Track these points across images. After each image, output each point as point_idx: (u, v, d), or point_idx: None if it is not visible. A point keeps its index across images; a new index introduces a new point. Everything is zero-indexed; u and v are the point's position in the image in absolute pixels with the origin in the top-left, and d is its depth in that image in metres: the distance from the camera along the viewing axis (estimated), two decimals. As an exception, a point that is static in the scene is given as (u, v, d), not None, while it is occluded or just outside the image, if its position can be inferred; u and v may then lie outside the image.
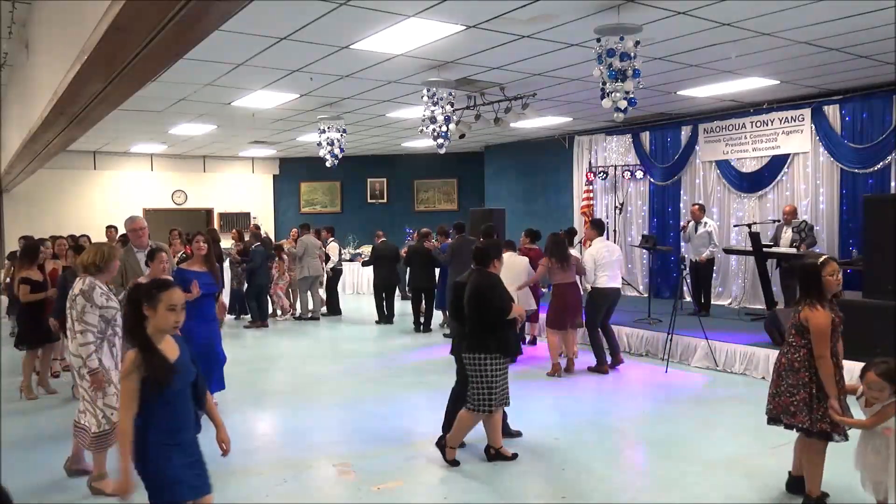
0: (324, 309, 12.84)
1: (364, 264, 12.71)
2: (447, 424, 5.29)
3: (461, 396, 5.22)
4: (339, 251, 13.32)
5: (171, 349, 3.02)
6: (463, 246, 10.27)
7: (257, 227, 13.33)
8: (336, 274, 12.97)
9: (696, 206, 10.46)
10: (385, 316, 11.82)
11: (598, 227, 8.48)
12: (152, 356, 2.90)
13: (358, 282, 15.91)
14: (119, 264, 5.04)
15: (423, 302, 11.09)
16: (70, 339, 4.61)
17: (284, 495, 4.59)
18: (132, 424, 2.86)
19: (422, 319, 11.07)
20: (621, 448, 5.63)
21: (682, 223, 11.26)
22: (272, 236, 17.02)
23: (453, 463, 5.04)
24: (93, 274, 4.61)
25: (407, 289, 12.02)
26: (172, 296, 2.98)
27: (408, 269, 11.47)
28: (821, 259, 4.06)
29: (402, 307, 12.59)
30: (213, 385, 6.43)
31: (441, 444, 5.17)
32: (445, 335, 10.49)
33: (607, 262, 8.01)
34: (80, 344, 4.48)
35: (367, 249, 15.23)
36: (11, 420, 6.37)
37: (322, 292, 12.70)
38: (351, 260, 15.67)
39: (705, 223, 10.28)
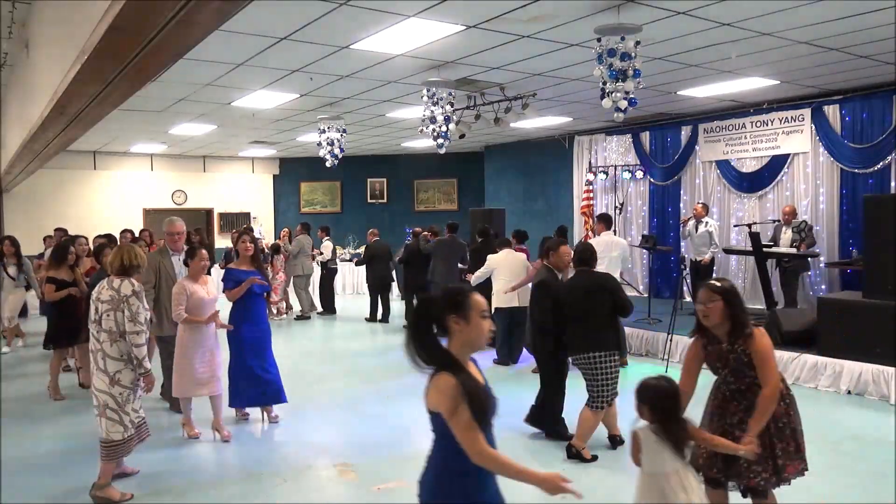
0: (319, 308, 12.86)
1: (358, 263, 12.77)
2: (536, 422, 5.69)
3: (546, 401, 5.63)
4: (333, 250, 13.34)
5: (475, 372, 2.44)
6: (452, 244, 10.22)
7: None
8: (331, 273, 12.96)
9: (700, 205, 10.47)
10: (375, 314, 11.87)
11: (604, 220, 8.70)
12: (469, 382, 2.29)
13: (357, 282, 15.89)
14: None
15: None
16: (111, 342, 4.43)
17: (284, 495, 4.59)
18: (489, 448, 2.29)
19: None
20: (621, 448, 5.62)
21: (682, 218, 11.26)
22: (272, 236, 17.04)
23: (594, 458, 5.18)
24: (130, 276, 4.59)
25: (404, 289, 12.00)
26: (481, 299, 2.42)
27: (403, 269, 11.47)
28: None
29: (399, 306, 12.60)
30: (279, 396, 6.24)
31: (572, 451, 5.21)
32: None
33: (600, 257, 8.04)
34: (136, 345, 4.42)
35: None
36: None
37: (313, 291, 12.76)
38: (350, 260, 15.68)
39: (707, 223, 10.27)
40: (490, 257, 8.52)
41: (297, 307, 12.65)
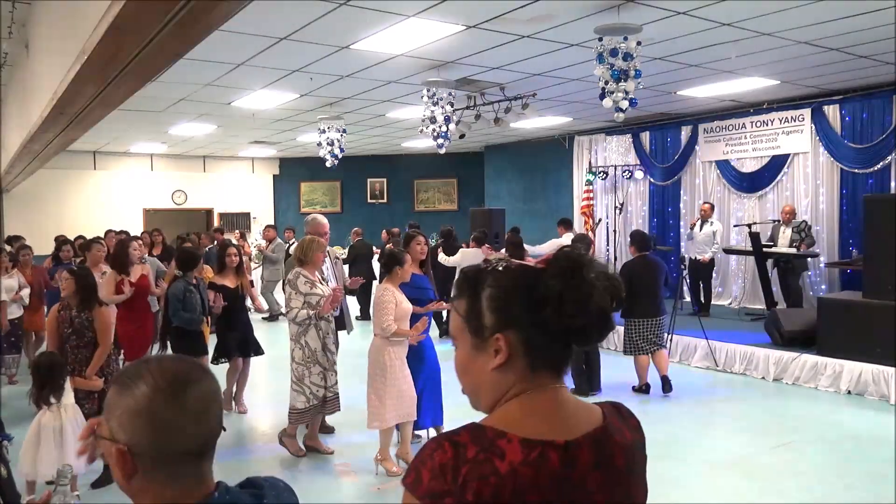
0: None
1: (343, 262, 12.93)
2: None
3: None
4: None
5: None
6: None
7: (218, 230, 13.15)
8: None
9: (707, 205, 10.55)
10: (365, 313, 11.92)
11: (563, 224, 9.92)
12: None
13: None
14: (322, 257, 5.39)
15: None
16: (288, 324, 5.30)
17: (284, 495, 4.59)
18: None
19: None
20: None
21: (690, 221, 11.22)
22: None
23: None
24: (301, 265, 5.23)
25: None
26: None
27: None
28: None
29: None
30: (436, 414, 5.38)
31: (643, 388, 7.04)
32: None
33: None
34: (294, 322, 5.13)
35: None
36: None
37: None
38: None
39: (712, 222, 10.32)
40: (463, 250, 9.49)
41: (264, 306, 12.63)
